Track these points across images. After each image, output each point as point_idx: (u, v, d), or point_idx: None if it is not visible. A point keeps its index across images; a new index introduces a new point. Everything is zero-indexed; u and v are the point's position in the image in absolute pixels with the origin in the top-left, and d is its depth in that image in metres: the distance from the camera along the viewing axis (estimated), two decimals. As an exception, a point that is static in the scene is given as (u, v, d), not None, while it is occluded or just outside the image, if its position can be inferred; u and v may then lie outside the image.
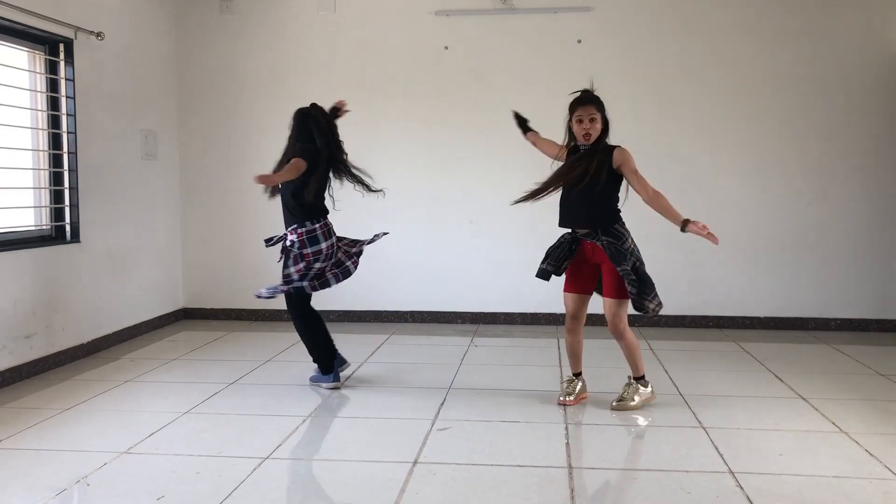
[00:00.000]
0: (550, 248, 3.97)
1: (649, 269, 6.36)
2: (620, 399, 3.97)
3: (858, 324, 6.02)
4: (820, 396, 4.15)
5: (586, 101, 3.78)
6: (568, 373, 4.15)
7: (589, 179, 3.74)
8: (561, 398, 4.03)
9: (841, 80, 5.93)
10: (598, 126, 3.77)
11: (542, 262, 3.97)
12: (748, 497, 2.84)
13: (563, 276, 3.99)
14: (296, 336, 5.65)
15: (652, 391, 4.03)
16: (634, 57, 6.07)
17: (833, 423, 3.70)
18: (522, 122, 4.24)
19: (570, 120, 3.84)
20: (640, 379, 3.99)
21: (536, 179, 6.30)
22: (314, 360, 4.39)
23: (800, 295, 6.08)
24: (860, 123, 5.94)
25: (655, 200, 3.77)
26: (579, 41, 6.10)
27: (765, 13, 5.96)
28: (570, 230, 3.93)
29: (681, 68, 6.05)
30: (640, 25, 6.06)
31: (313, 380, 4.42)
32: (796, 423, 3.72)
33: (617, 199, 3.89)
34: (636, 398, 3.96)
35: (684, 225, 3.69)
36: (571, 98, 3.86)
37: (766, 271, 6.09)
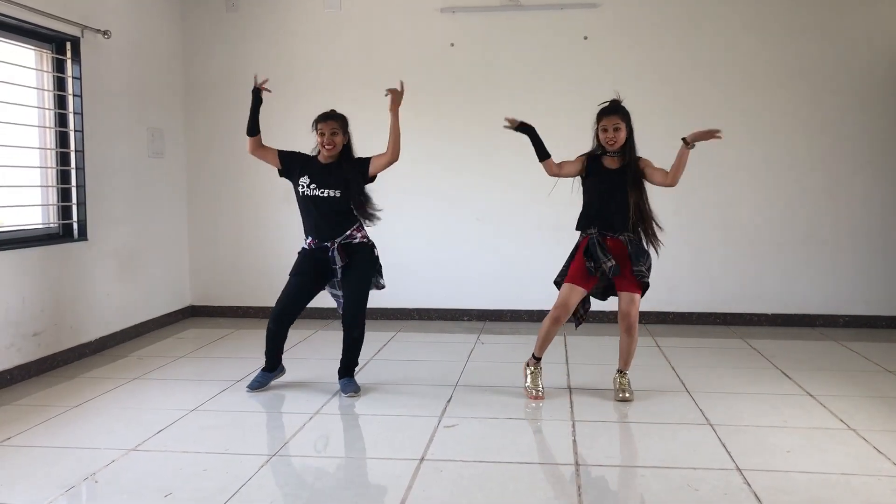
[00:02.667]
0: (588, 248, 3.98)
1: (657, 266, 6.38)
2: (624, 391, 4.04)
3: (867, 320, 5.99)
4: (828, 393, 4.14)
5: (611, 112, 3.96)
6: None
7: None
8: (535, 393, 4.09)
9: (850, 76, 5.90)
10: (622, 135, 3.93)
11: (607, 261, 3.93)
12: (756, 494, 2.83)
13: (572, 271, 4.03)
14: (303, 333, 5.70)
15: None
16: (641, 53, 6.05)
17: (841, 421, 3.68)
18: (537, 143, 4.09)
19: (596, 128, 4.01)
20: (625, 373, 4.12)
21: (542, 178, 6.30)
22: (354, 367, 4.29)
23: (808, 291, 6.06)
24: (869, 119, 5.91)
25: (667, 173, 4.00)
26: (586, 37, 6.09)
27: (772, 8, 5.94)
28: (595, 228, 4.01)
29: (687, 64, 6.03)
30: (646, 21, 6.04)
31: (352, 389, 4.21)
32: (804, 421, 3.70)
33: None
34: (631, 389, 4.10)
35: (686, 143, 3.94)
36: (599, 108, 4.02)
37: (774, 267, 6.07)
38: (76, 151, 5.03)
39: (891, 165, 5.93)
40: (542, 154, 4.07)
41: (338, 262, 4.05)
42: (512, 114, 6.07)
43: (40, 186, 4.87)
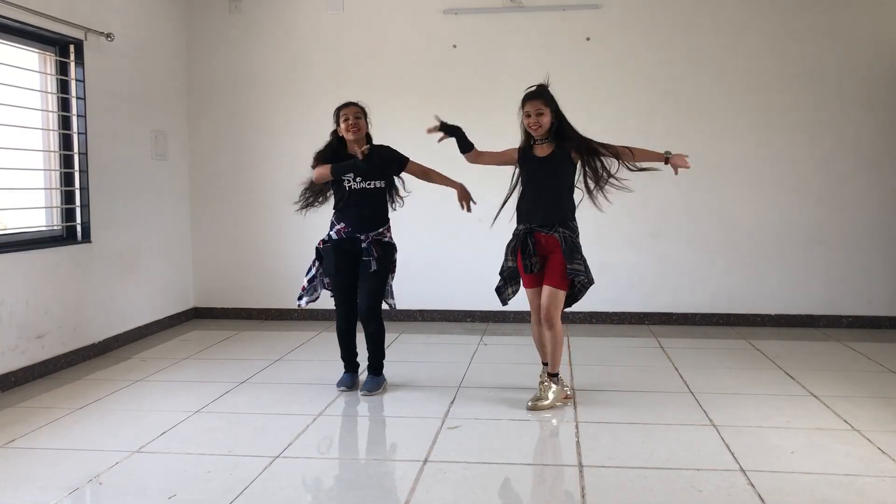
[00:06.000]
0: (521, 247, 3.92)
1: (660, 267, 6.35)
2: (536, 399, 3.91)
3: (870, 321, 5.98)
4: (831, 394, 4.13)
5: (534, 96, 3.84)
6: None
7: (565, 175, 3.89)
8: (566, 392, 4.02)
9: (852, 76, 5.89)
10: (546, 119, 3.82)
11: (527, 259, 3.89)
12: (759, 495, 2.83)
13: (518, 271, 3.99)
14: (306, 335, 5.72)
15: (564, 388, 4.00)
16: (643, 54, 6.05)
17: (845, 421, 3.68)
18: (461, 138, 4.03)
19: (521, 115, 3.92)
20: (554, 376, 3.95)
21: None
22: (380, 362, 4.33)
23: (811, 292, 6.05)
24: (871, 119, 5.90)
25: (632, 153, 3.86)
26: (588, 39, 6.09)
27: (775, 9, 5.93)
28: (524, 225, 3.92)
29: (690, 65, 6.02)
30: (648, 22, 6.04)
31: (367, 387, 4.26)
32: (808, 421, 3.70)
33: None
34: (550, 396, 3.90)
35: (666, 160, 3.89)
36: (525, 92, 3.92)
37: (777, 268, 6.06)
38: (79, 154, 5.04)
39: (893, 165, 5.91)
40: (466, 147, 4.01)
41: (373, 253, 4.13)
42: (511, 116, 6.11)
43: (44, 189, 4.88)
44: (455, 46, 6.20)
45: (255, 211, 6.47)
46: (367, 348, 4.29)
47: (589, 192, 3.88)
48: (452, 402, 4.05)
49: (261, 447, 3.38)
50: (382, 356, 4.32)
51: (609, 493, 2.89)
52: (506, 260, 3.99)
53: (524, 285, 4.03)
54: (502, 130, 6.20)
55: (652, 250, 6.14)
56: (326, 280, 4.31)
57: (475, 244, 6.29)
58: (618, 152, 3.84)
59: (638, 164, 3.87)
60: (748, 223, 6.06)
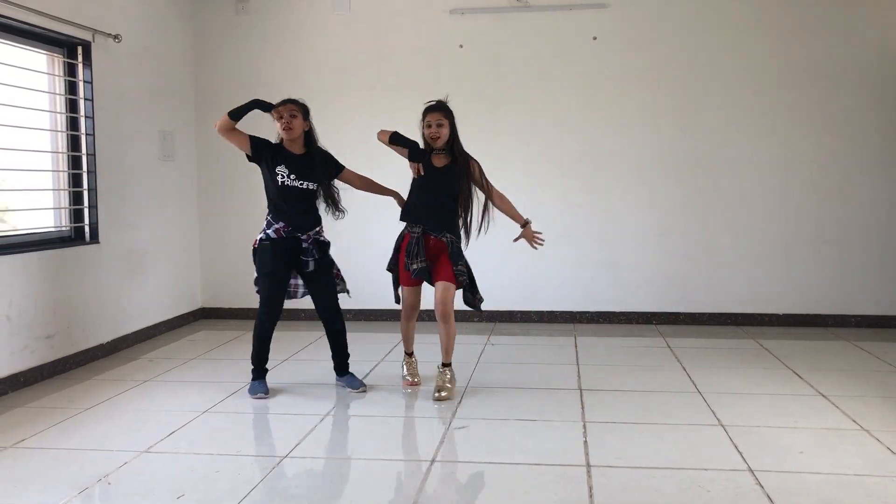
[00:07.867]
0: (409, 246, 4.14)
1: (668, 267, 6.34)
2: (441, 390, 4.11)
3: (879, 320, 5.96)
4: (840, 394, 4.12)
5: (435, 109, 4.11)
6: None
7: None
8: (411, 380, 4.37)
9: (859, 75, 5.87)
10: (445, 131, 4.10)
11: (414, 263, 4.12)
12: (768, 495, 2.82)
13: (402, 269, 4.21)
14: (314, 335, 5.71)
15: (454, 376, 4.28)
16: (650, 53, 6.04)
17: (854, 421, 3.67)
18: (411, 148, 4.15)
19: (422, 125, 4.15)
20: (448, 365, 4.23)
21: (550, 177, 6.31)
22: (348, 360, 4.39)
23: (819, 291, 6.03)
24: (879, 118, 5.87)
25: (499, 201, 4.29)
26: (595, 38, 6.08)
27: (781, 8, 5.91)
28: (419, 227, 4.15)
29: (696, 64, 6.01)
30: (655, 22, 6.03)
31: (360, 384, 4.31)
32: (816, 421, 3.69)
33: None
34: (452, 384, 4.19)
35: (524, 225, 4.33)
36: (425, 105, 4.16)
37: (785, 268, 6.04)
38: (88, 155, 5.06)
39: (902, 164, 5.90)
40: (415, 154, 4.15)
41: (315, 254, 4.17)
42: (518, 116, 6.13)
43: (52, 190, 4.90)
44: (461, 46, 6.20)
45: (262, 211, 6.42)
46: (334, 348, 4.34)
47: (465, 210, 4.20)
48: (459, 402, 4.05)
49: (268, 447, 3.39)
50: (348, 353, 4.39)
51: (617, 492, 2.89)
52: (412, 262, 4.13)
53: (402, 282, 4.26)
54: (508, 129, 6.23)
55: (659, 250, 6.13)
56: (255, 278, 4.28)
57: (480, 243, 6.27)
58: (490, 194, 4.24)
59: (501, 210, 4.29)
60: (755, 222, 6.04)
